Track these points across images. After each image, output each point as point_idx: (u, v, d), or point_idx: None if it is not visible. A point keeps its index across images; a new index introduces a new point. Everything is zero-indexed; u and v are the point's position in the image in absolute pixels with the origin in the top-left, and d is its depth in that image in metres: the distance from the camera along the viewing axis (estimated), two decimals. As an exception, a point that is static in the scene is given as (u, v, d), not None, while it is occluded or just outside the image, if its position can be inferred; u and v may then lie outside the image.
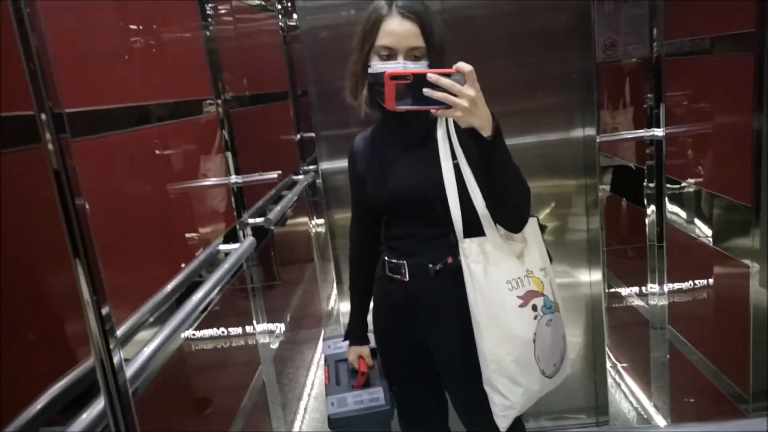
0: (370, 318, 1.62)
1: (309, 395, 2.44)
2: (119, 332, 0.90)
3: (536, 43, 2.23)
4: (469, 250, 1.33)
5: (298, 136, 2.49)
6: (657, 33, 1.96)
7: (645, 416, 2.30)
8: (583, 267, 2.40)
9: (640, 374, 2.42)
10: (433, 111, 1.19)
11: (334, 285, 2.59)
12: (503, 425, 1.36)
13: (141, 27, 1.21)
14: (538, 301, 1.34)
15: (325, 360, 1.70)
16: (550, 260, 1.47)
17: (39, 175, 0.69)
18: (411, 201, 1.40)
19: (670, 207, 2.01)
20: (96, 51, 1.02)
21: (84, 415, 0.75)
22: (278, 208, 1.82)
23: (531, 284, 1.34)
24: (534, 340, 1.32)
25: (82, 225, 0.69)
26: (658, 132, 2.00)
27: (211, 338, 1.44)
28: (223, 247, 1.48)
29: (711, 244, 1.72)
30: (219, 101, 1.60)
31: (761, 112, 1.39)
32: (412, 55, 1.31)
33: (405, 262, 1.43)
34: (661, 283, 2.15)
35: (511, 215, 1.35)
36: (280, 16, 2.39)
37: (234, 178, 1.63)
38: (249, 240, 1.55)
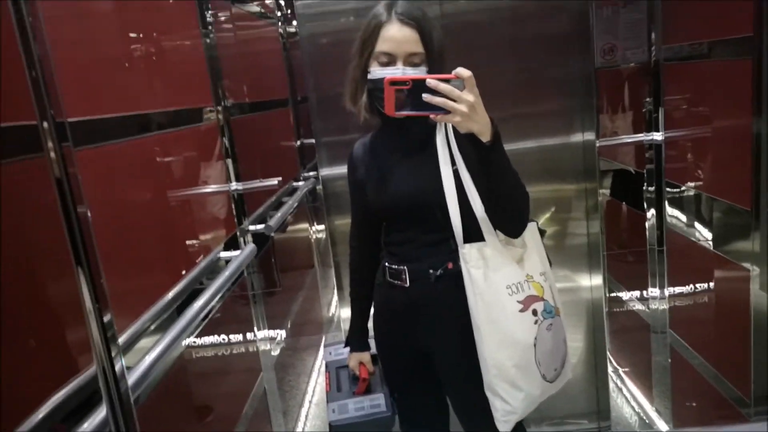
0: (370, 324, 1.62)
1: (310, 402, 2.44)
2: (121, 340, 0.90)
3: (535, 48, 2.24)
4: (469, 255, 1.33)
5: (299, 143, 2.50)
6: (655, 38, 1.97)
7: (647, 421, 2.30)
8: (584, 271, 2.40)
9: (641, 378, 2.41)
10: (432, 116, 1.20)
11: (335, 291, 2.59)
12: (505, 430, 1.36)
13: (141, 35, 1.22)
14: (539, 306, 1.34)
15: (326, 366, 1.70)
16: (550, 264, 1.47)
17: (41, 184, 0.69)
18: (411, 207, 1.40)
19: (670, 211, 2.01)
20: (96, 60, 1.03)
21: (86, 424, 0.75)
22: (279, 214, 1.82)
23: (531, 289, 1.34)
24: (534, 345, 1.32)
25: (84, 233, 0.69)
26: (657, 136, 2.01)
27: (212, 345, 1.44)
28: (223, 254, 1.48)
29: (711, 248, 1.73)
30: (219, 108, 1.60)
31: (760, 116, 1.39)
32: (411, 61, 1.32)
33: (405, 267, 1.44)
34: (661, 287, 2.15)
35: (510, 220, 1.35)
36: (279, 23, 2.39)
37: (234, 185, 1.63)
38: (250, 247, 1.55)
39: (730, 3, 1.52)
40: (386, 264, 1.49)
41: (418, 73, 1.30)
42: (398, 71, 1.30)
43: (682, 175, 1.91)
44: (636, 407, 2.40)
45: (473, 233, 1.35)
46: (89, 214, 0.71)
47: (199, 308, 1.15)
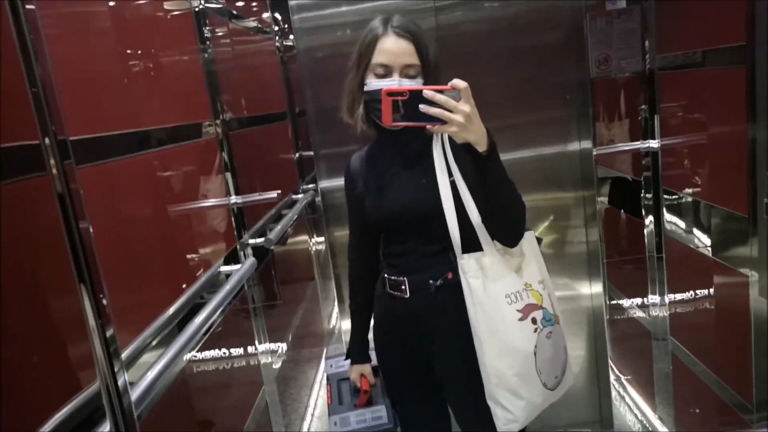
0: (371, 336, 1.62)
1: (312, 415, 2.43)
2: (123, 356, 0.90)
3: (531, 59, 2.26)
4: (468, 265, 1.34)
5: (297, 155, 2.51)
6: (649, 47, 1.98)
7: (650, 428, 2.29)
8: (584, 279, 2.41)
9: (643, 386, 2.41)
10: (429, 127, 1.21)
11: (336, 303, 2.59)
12: (507, 439, 1.36)
13: (140, 52, 1.23)
14: (538, 314, 1.34)
15: (327, 379, 1.70)
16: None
17: (44, 203, 0.70)
18: (409, 218, 1.41)
19: (668, 218, 2.02)
20: (96, 78, 1.04)
21: (89, 439, 0.75)
22: (278, 227, 1.83)
23: (530, 297, 1.35)
24: (535, 353, 1.32)
25: (86, 250, 0.69)
26: (654, 144, 2.02)
27: (214, 359, 1.44)
28: (224, 268, 1.48)
29: (710, 255, 1.73)
30: (218, 121, 1.61)
31: (754, 123, 1.41)
32: (407, 72, 1.33)
33: (405, 278, 1.44)
34: (661, 294, 2.15)
35: (507, 230, 1.36)
36: (277, 37, 2.41)
37: (234, 199, 1.64)
38: (250, 261, 1.55)
39: (723, 13, 1.54)
40: (386, 275, 1.49)
41: (414, 84, 1.31)
42: (394, 83, 1.32)
43: (679, 183, 1.92)
44: (639, 415, 2.40)
45: (471, 243, 1.36)
46: (91, 230, 0.72)
47: (200, 323, 1.15)
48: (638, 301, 2.32)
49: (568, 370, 1.44)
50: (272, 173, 2.24)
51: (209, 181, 1.54)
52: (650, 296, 2.19)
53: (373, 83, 1.35)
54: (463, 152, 1.24)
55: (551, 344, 1.35)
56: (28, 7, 0.66)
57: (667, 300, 2.12)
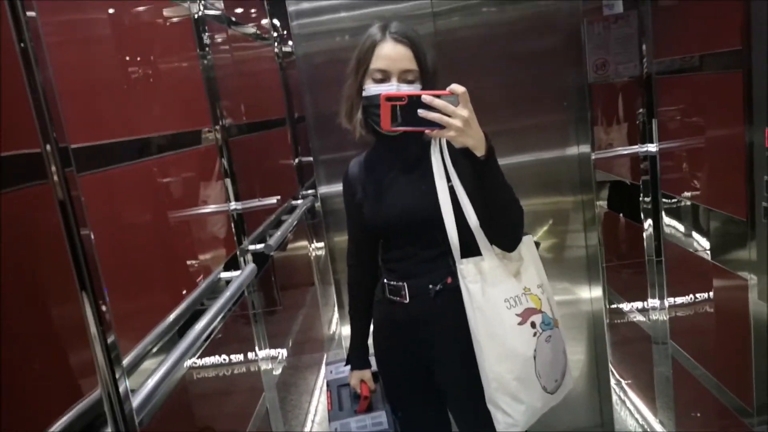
0: (370, 341, 1.62)
1: (313, 421, 2.42)
2: (124, 363, 0.90)
3: (528, 64, 2.28)
4: (466, 270, 1.34)
5: (297, 161, 2.51)
6: (646, 52, 1.99)
7: (651, 433, 2.29)
8: (584, 283, 2.41)
9: (644, 390, 2.41)
10: (427, 131, 1.21)
11: (336, 309, 2.59)
12: (508, 444, 1.36)
13: (140, 59, 1.23)
14: (537, 318, 1.35)
15: (327, 385, 1.69)
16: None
17: (46, 210, 0.70)
18: (408, 223, 1.41)
19: (667, 221, 2.02)
20: (96, 86, 1.04)
21: (90, 447, 0.75)
22: (278, 233, 1.83)
23: (529, 302, 1.35)
24: (534, 357, 1.32)
25: (87, 257, 0.69)
26: (652, 147, 2.03)
27: (214, 366, 1.44)
28: (224, 274, 1.49)
29: (709, 258, 1.73)
30: (217, 128, 1.62)
31: (752, 127, 1.41)
32: (405, 78, 1.34)
33: (405, 283, 1.44)
34: (661, 298, 2.15)
35: (505, 235, 1.37)
36: (276, 44, 2.42)
37: (234, 205, 1.64)
38: (250, 267, 1.55)
39: (719, 18, 1.55)
40: (385, 280, 1.50)
41: (412, 89, 1.32)
42: (392, 87, 1.32)
43: (678, 186, 1.92)
44: (640, 419, 2.39)
45: (470, 248, 1.36)
46: (92, 237, 0.72)
47: (200, 329, 1.15)
48: (638, 305, 2.32)
49: (568, 373, 1.44)
50: (272, 179, 2.25)
51: (209, 187, 1.54)
52: (650, 300, 2.20)
53: (371, 88, 1.36)
54: (461, 157, 1.24)
55: (550, 348, 1.36)
56: (29, 14, 0.66)
57: (666, 304, 2.13)
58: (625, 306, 2.44)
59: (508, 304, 1.33)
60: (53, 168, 0.69)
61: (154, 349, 1.08)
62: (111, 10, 1.12)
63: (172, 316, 1.17)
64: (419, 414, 1.57)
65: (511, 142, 2.28)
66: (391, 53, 1.34)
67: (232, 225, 1.64)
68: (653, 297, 2.18)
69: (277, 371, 1.94)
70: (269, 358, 1.82)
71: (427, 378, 1.50)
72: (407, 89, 1.32)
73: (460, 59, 2.25)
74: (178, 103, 1.43)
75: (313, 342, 2.60)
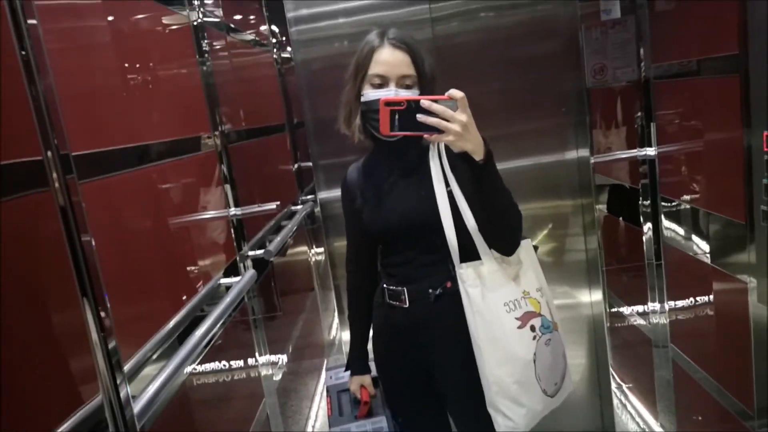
0: (370, 347, 1.62)
1: (313, 427, 2.42)
2: (125, 368, 0.91)
3: (527, 70, 2.28)
4: (466, 275, 1.35)
5: (296, 166, 2.52)
6: (644, 56, 2.00)
7: (652, 437, 2.28)
8: (584, 287, 2.41)
9: (645, 393, 2.40)
10: (426, 136, 1.22)
11: (336, 314, 2.59)
12: (508, 448, 1.36)
13: (139, 66, 1.24)
14: (536, 322, 1.35)
15: (327, 391, 1.69)
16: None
17: (46, 218, 0.70)
18: (408, 228, 1.42)
19: (666, 225, 2.03)
20: (96, 93, 1.04)
21: (92, 453, 0.75)
22: (278, 239, 1.83)
23: (528, 305, 1.36)
24: (534, 360, 1.33)
25: (88, 263, 0.70)
26: (651, 151, 2.03)
27: (215, 372, 1.44)
28: (224, 280, 1.49)
29: (708, 262, 1.74)
30: (217, 134, 1.62)
31: (749, 130, 1.42)
32: (403, 83, 1.35)
33: (405, 288, 1.44)
34: (661, 302, 2.15)
35: (504, 239, 1.37)
36: (275, 50, 2.43)
37: (233, 211, 1.64)
38: (250, 273, 1.55)
39: (716, 23, 1.56)
40: (385, 285, 1.50)
41: (410, 95, 1.32)
42: (391, 93, 1.33)
43: (677, 190, 1.92)
44: (641, 423, 2.39)
45: (470, 252, 1.37)
46: (93, 243, 0.72)
47: (201, 335, 1.15)
48: (638, 308, 2.32)
49: (568, 376, 1.44)
50: (271, 185, 2.25)
51: (209, 193, 1.54)
52: (650, 303, 2.20)
53: (370, 94, 1.36)
54: (459, 161, 1.25)
55: (550, 351, 1.36)
56: (30, 22, 0.67)
57: (666, 307, 2.13)
58: (626, 309, 2.44)
59: (507, 307, 1.34)
60: (54, 175, 0.69)
61: (155, 355, 1.08)
62: (111, 18, 1.13)
63: (172, 322, 1.17)
64: (420, 419, 1.57)
65: (510, 146, 2.29)
66: (389, 59, 1.35)
67: (232, 231, 1.64)
68: (653, 300, 2.18)
69: (278, 377, 1.94)
70: (269, 364, 1.82)
71: (428, 382, 1.50)
72: (406, 94, 1.32)
73: (458, 64, 2.25)
74: (177, 110, 1.44)
75: (313, 347, 2.60)
